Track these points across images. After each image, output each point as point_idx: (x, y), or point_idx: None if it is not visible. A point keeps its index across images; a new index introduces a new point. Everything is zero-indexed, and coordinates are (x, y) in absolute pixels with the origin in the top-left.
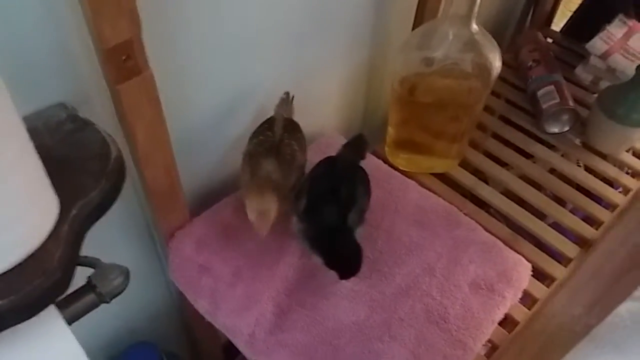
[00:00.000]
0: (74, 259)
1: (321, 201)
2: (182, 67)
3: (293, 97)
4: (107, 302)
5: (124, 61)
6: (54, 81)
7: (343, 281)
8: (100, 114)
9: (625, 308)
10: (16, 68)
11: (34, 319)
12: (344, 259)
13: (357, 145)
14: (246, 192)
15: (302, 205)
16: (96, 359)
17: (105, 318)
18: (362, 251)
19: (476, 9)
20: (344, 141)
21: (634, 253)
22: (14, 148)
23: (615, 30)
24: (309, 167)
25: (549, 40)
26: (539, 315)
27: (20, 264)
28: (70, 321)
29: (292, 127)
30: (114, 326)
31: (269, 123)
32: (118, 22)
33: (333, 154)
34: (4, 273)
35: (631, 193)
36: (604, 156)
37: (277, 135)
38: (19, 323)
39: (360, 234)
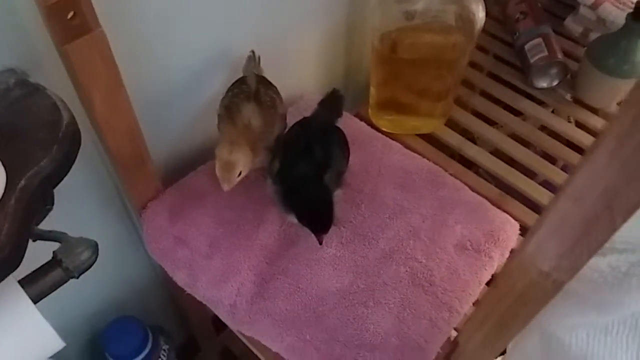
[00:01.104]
0: (24, 233)
1: (295, 162)
2: (141, 26)
3: (259, 56)
4: (76, 278)
5: (69, 19)
6: (0, 46)
7: (325, 247)
8: (55, 78)
9: (606, 262)
10: None
11: None
12: (314, 211)
13: (332, 102)
14: (220, 141)
15: (276, 168)
16: (80, 334)
17: (87, 293)
18: (332, 204)
19: None
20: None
21: (604, 198)
22: None
23: None
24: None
25: None
26: (509, 271)
27: None
28: (37, 298)
29: (265, 82)
30: (97, 300)
31: (241, 80)
32: None
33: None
34: None
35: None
36: (595, 110)
37: (252, 87)
38: None
39: (339, 196)
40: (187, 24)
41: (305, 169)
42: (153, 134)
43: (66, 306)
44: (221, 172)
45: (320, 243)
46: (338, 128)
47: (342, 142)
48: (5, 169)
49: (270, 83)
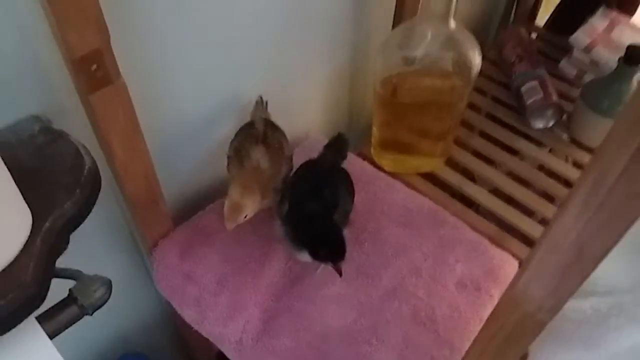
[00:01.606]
0: (49, 273)
1: (303, 203)
2: (158, 75)
3: (267, 101)
4: (90, 315)
5: (94, 71)
6: (26, 94)
7: (330, 285)
8: (77, 125)
9: (588, 304)
10: None
11: (15, 332)
12: (330, 243)
13: (337, 145)
14: (231, 182)
15: (285, 209)
16: None
17: (96, 329)
18: (343, 234)
19: (453, 6)
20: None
21: (575, 248)
22: None
23: (598, 22)
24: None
25: (533, 35)
26: (499, 311)
27: None
28: (53, 334)
29: (272, 125)
30: (106, 337)
31: (249, 124)
32: (85, 31)
33: (316, 156)
34: None
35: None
36: (591, 150)
37: (259, 131)
38: None
39: (345, 236)
40: (199, 73)
41: (315, 209)
42: (165, 175)
43: (77, 342)
44: (228, 212)
45: (340, 274)
46: (344, 169)
47: (347, 183)
48: (31, 211)
49: (277, 126)
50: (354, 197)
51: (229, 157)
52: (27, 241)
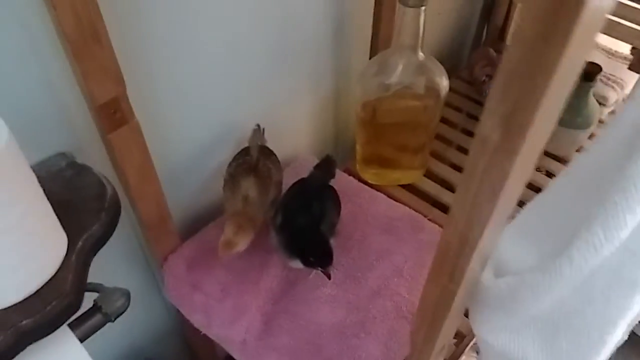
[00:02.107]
0: (83, 284)
1: (295, 216)
2: (165, 112)
3: (264, 129)
4: (112, 321)
5: (112, 114)
6: (53, 134)
7: (322, 288)
8: (95, 158)
9: (503, 281)
10: (21, 125)
11: (51, 337)
12: (319, 252)
13: (326, 166)
14: (226, 217)
15: (278, 221)
16: None
17: (111, 340)
18: (330, 243)
19: (420, 40)
20: (317, 162)
21: (461, 238)
22: (29, 195)
23: None
24: (285, 189)
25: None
26: (426, 290)
27: (39, 290)
28: (81, 339)
29: (266, 152)
30: (120, 347)
31: (245, 150)
32: (105, 83)
33: (306, 174)
34: (27, 298)
35: None
36: (559, 159)
37: (253, 158)
38: (39, 339)
39: (332, 245)
40: (199, 107)
41: (304, 222)
42: (172, 197)
43: (95, 353)
44: (223, 248)
45: (329, 277)
46: (331, 187)
47: (334, 199)
48: (66, 233)
49: (271, 152)
50: (340, 210)
51: (225, 180)
52: (64, 258)
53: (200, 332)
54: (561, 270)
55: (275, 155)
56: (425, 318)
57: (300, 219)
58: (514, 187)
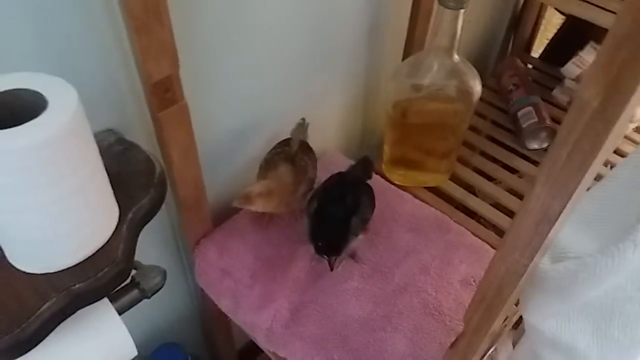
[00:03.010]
0: (132, 254)
1: (329, 205)
2: (209, 96)
3: (308, 123)
4: (148, 298)
5: (164, 93)
6: (104, 110)
7: (349, 280)
8: (140, 138)
9: (562, 265)
10: None
11: (91, 308)
12: (327, 240)
13: (364, 165)
14: (261, 192)
15: (313, 207)
16: None
17: (135, 321)
18: (344, 235)
19: (457, 42)
20: (344, 159)
21: (542, 211)
22: (91, 162)
23: (587, 55)
24: (318, 183)
25: (529, 65)
26: (492, 267)
27: (92, 256)
28: (120, 312)
29: (306, 147)
30: (143, 329)
31: (285, 142)
32: (161, 62)
33: (334, 170)
34: (81, 262)
35: None
36: None
37: (292, 150)
38: (90, 304)
39: (361, 240)
40: (241, 96)
41: (337, 211)
42: (208, 181)
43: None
44: (241, 199)
45: (331, 268)
46: (368, 185)
47: (370, 196)
48: (118, 204)
49: (311, 149)
50: (374, 208)
51: (260, 166)
52: (116, 228)
53: (221, 320)
54: (625, 253)
55: (314, 154)
56: (486, 296)
57: (334, 207)
58: (601, 161)
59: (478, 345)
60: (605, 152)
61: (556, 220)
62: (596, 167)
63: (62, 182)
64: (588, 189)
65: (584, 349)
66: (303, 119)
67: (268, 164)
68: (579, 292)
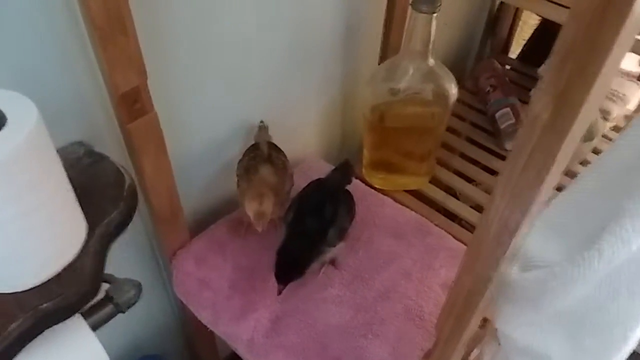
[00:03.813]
0: (101, 270)
1: (305, 216)
2: (180, 106)
3: (267, 126)
4: (123, 312)
5: (132, 104)
6: (72, 123)
7: (330, 288)
8: (110, 149)
9: (532, 275)
10: (41, 112)
11: (64, 325)
12: (281, 265)
13: (344, 170)
14: (245, 197)
15: (290, 218)
16: None
17: (111, 334)
18: (301, 264)
19: (431, 46)
20: (324, 165)
21: (501, 223)
22: (53, 179)
23: None
24: (294, 188)
25: (507, 66)
26: (458, 278)
27: (59, 274)
28: (93, 329)
29: (275, 147)
30: (123, 342)
31: (255, 146)
32: (128, 73)
33: (315, 176)
34: (48, 281)
35: None
36: (563, 172)
37: (264, 152)
38: (59, 322)
39: (341, 248)
40: (213, 104)
41: (313, 224)
42: (183, 192)
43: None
44: (256, 221)
45: (278, 293)
46: (347, 191)
47: (349, 204)
48: (86, 219)
49: (279, 148)
50: (353, 216)
51: (238, 176)
52: (84, 244)
53: (204, 329)
54: (590, 262)
55: (283, 152)
56: (455, 306)
57: (310, 220)
58: (558, 170)
59: (451, 354)
60: (561, 163)
61: (516, 231)
62: (553, 177)
63: (20, 199)
64: (560, 193)
65: (557, 357)
66: (262, 122)
67: (248, 170)
68: (550, 301)
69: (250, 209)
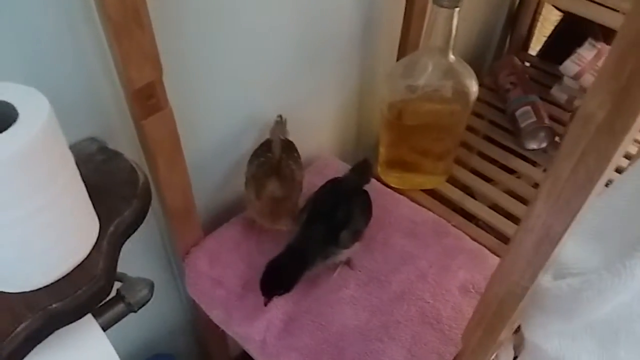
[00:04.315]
0: (113, 269)
1: (318, 218)
2: (195, 102)
3: (286, 119)
4: (135, 312)
5: (147, 100)
6: (85, 118)
7: (344, 289)
8: (125, 146)
9: (565, 283)
10: (55, 108)
11: (75, 324)
12: (267, 278)
13: (362, 170)
14: (255, 210)
15: (303, 219)
16: None
17: (126, 332)
18: (292, 278)
19: (452, 41)
20: (339, 163)
21: (543, 230)
22: (65, 176)
23: (586, 52)
24: (308, 187)
25: (527, 63)
26: (492, 284)
27: (70, 273)
28: (104, 329)
29: (288, 147)
30: (134, 340)
31: (267, 144)
32: (143, 67)
33: (329, 174)
34: (58, 280)
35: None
36: None
37: (276, 155)
38: (68, 323)
39: (355, 249)
40: (228, 99)
41: (324, 228)
42: (196, 188)
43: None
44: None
45: (265, 304)
46: (365, 191)
47: (365, 205)
48: (98, 217)
49: (293, 146)
50: (369, 217)
51: (247, 179)
52: (96, 242)
53: (215, 329)
54: (632, 270)
55: (297, 151)
56: (485, 317)
57: (321, 223)
58: (609, 174)
59: None
60: (613, 167)
61: (559, 240)
62: (603, 182)
63: (30, 197)
64: (598, 197)
65: None
66: (280, 116)
67: (256, 180)
68: (583, 311)
69: (262, 222)
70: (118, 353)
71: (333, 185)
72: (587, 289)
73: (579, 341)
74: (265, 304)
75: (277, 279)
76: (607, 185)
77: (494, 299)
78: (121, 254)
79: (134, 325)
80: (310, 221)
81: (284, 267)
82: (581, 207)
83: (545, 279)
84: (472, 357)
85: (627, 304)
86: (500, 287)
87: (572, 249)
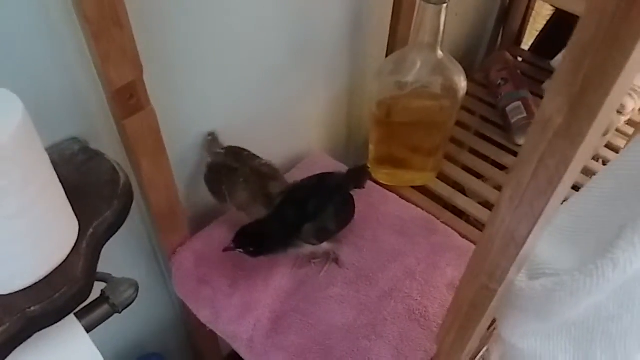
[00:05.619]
0: (93, 271)
1: (288, 205)
2: (180, 100)
3: (217, 135)
4: (119, 312)
5: (128, 100)
6: (67, 119)
7: (332, 287)
8: (107, 145)
9: (539, 283)
10: (35, 108)
11: (57, 326)
12: (247, 232)
13: (356, 174)
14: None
15: (277, 202)
16: None
17: (115, 332)
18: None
19: (440, 37)
20: (329, 160)
21: (508, 234)
22: (41, 178)
23: None
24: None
25: (519, 58)
26: (460, 291)
27: (48, 276)
28: (87, 330)
29: (233, 153)
30: (124, 340)
31: (212, 166)
32: (122, 67)
33: (319, 171)
34: (36, 283)
35: None
36: None
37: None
38: (48, 326)
39: (325, 249)
40: (212, 97)
41: (292, 215)
42: (181, 188)
43: (97, 344)
44: None
45: (224, 250)
46: (350, 194)
47: (344, 206)
48: (77, 218)
49: (238, 149)
50: (346, 221)
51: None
52: (75, 244)
53: (206, 328)
54: (604, 272)
55: (240, 148)
56: (457, 319)
57: (289, 210)
58: (571, 178)
59: None
60: (575, 170)
61: (524, 244)
62: (566, 186)
63: (5, 201)
64: (564, 201)
65: None
66: (211, 134)
67: (218, 195)
68: (558, 311)
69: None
70: (108, 353)
71: (318, 179)
72: (559, 289)
73: (555, 341)
74: (225, 250)
75: (252, 237)
76: (577, 189)
77: (465, 301)
78: (109, 254)
79: (123, 324)
80: (281, 206)
81: (259, 233)
82: (543, 210)
83: (519, 279)
84: (446, 358)
85: (602, 304)
86: (470, 289)
87: (547, 249)
